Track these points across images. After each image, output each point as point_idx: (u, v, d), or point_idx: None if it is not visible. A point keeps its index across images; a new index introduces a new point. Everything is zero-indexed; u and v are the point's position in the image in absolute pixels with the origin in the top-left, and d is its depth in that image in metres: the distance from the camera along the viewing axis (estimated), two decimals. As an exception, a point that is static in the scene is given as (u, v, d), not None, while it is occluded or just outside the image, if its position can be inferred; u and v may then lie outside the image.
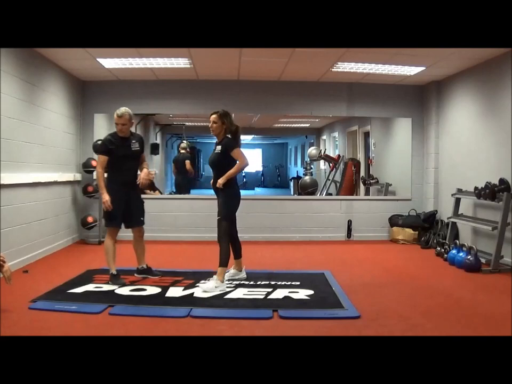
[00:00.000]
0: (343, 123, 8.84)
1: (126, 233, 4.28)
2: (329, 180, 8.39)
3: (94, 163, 6.03)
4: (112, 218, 3.94)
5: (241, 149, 3.92)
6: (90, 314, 3.17)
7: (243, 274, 4.15)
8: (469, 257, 4.64)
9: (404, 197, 6.72)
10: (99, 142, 6.19)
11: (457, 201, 5.58)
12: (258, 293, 3.72)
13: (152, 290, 3.77)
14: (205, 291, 3.68)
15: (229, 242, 3.89)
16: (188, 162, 8.18)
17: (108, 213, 3.89)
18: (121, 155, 3.92)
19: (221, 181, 3.80)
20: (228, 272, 4.05)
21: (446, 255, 5.09)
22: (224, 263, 3.81)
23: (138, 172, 4.08)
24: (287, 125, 9.93)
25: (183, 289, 3.80)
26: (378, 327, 2.98)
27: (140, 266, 4.17)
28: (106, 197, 3.83)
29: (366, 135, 8.04)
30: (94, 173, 6.08)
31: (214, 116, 3.87)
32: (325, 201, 7.01)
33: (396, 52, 4.90)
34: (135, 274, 4.16)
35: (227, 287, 3.87)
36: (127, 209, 3.97)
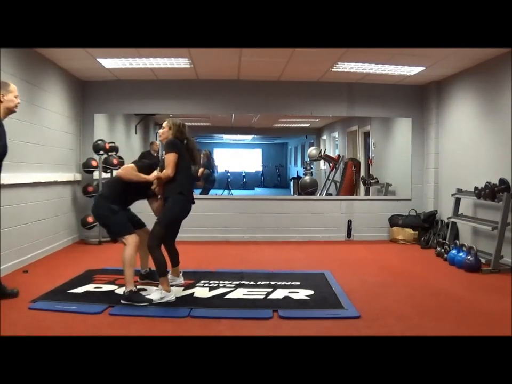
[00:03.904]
0: (343, 123, 8.84)
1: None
2: (329, 180, 8.39)
3: (94, 163, 6.05)
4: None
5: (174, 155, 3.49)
6: (90, 314, 3.17)
7: (180, 280, 3.93)
8: (469, 257, 4.64)
9: (404, 197, 6.72)
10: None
11: (457, 201, 5.58)
12: (258, 293, 3.72)
13: (152, 290, 3.76)
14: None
15: (160, 248, 3.54)
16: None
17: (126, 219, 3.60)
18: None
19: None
20: (172, 277, 3.90)
21: (446, 255, 5.09)
22: (163, 273, 3.50)
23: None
24: (287, 125, 9.93)
25: (183, 289, 3.80)
26: (378, 327, 2.99)
27: (143, 270, 3.96)
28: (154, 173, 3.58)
29: (366, 135, 8.04)
30: (96, 173, 6.10)
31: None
32: (325, 201, 7.01)
33: (396, 52, 4.90)
34: (139, 280, 3.94)
35: (226, 286, 3.87)
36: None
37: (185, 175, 3.58)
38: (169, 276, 3.89)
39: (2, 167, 3.30)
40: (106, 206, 3.52)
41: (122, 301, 3.40)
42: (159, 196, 3.69)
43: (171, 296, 3.50)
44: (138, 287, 3.74)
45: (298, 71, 5.88)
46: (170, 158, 3.48)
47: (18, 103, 3.42)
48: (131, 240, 3.48)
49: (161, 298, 3.44)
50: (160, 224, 3.50)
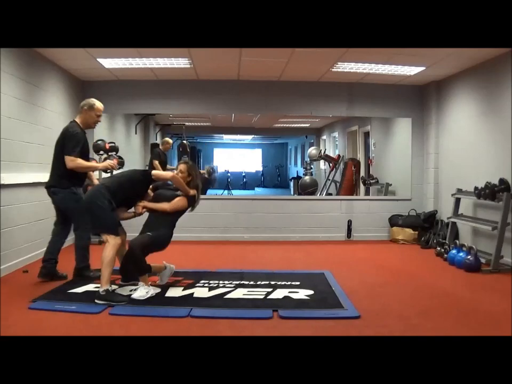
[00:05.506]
0: (343, 123, 8.84)
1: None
2: (329, 180, 8.40)
3: (94, 163, 6.03)
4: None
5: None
6: (90, 314, 3.17)
7: (169, 267, 3.94)
8: (469, 257, 4.64)
9: (404, 197, 6.72)
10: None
11: (457, 201, 5.58)
12: (258, 293, 3.72)
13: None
14: (137, 298, 3.45)
15: (144, 255, 3.54)
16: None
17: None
18: None
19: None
20: (162, 273, 3.90)
21: (446, 255, 5.09)
22: (143, 273, 3.59)
23: None
24: (287, 125, 9.93)
25: (183, 289, 3.79)
26: (378, 327, 2.98)
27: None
28: None
29: (366, 135, 8.04)
30: (96, 173, 6.07)
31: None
32: (325, 201, 7.01)
33: (396, 52, 4.90)
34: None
35: (226, 286, 3.88)
36: None
37: (177, 218, 3.79)
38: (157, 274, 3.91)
39: (1, 168, 3.33)
40: (105, 197, 3.47)
41: (96, 301, 3.36)
42: (134, 212, 3.77)
43: (153, 291, 3.58)
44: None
45: (298, 71, 5.88)
46: (179, 203, 3.71)
47: (98, 121, 3.96)
48: (114, 241, 3.48)
49: (147, 293, 3.51)
50: (151, 238, 3.57)
